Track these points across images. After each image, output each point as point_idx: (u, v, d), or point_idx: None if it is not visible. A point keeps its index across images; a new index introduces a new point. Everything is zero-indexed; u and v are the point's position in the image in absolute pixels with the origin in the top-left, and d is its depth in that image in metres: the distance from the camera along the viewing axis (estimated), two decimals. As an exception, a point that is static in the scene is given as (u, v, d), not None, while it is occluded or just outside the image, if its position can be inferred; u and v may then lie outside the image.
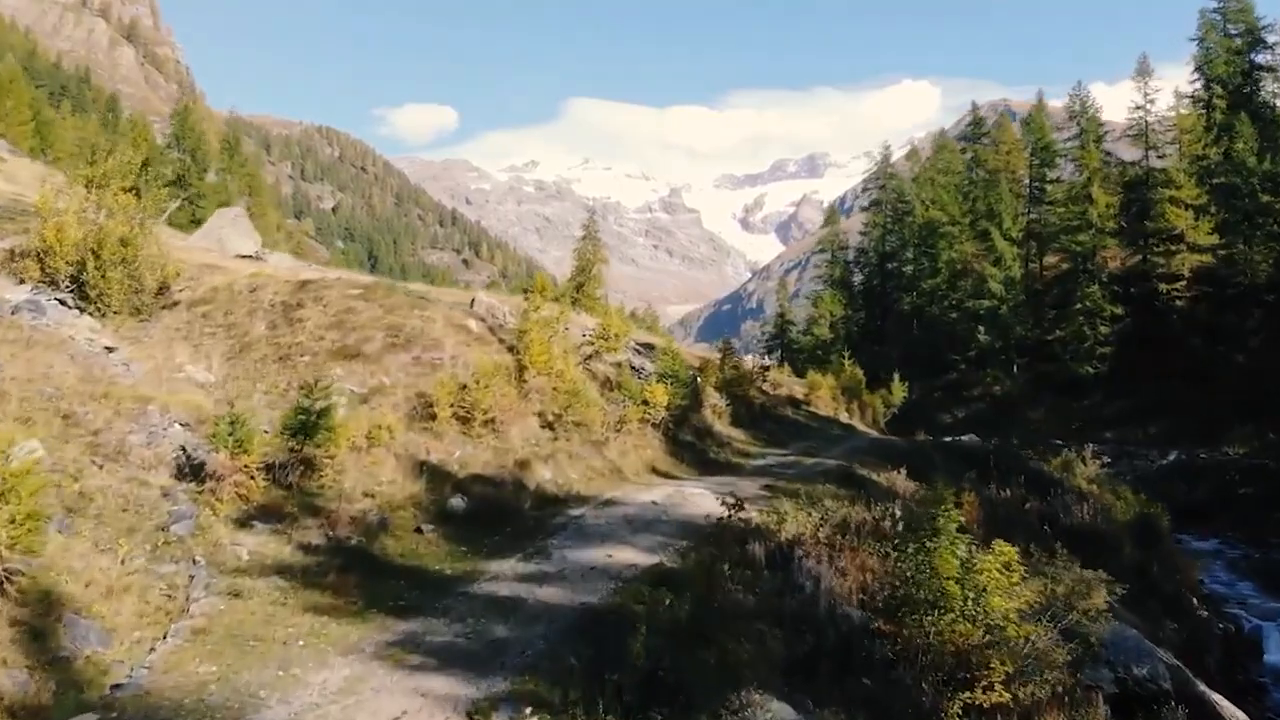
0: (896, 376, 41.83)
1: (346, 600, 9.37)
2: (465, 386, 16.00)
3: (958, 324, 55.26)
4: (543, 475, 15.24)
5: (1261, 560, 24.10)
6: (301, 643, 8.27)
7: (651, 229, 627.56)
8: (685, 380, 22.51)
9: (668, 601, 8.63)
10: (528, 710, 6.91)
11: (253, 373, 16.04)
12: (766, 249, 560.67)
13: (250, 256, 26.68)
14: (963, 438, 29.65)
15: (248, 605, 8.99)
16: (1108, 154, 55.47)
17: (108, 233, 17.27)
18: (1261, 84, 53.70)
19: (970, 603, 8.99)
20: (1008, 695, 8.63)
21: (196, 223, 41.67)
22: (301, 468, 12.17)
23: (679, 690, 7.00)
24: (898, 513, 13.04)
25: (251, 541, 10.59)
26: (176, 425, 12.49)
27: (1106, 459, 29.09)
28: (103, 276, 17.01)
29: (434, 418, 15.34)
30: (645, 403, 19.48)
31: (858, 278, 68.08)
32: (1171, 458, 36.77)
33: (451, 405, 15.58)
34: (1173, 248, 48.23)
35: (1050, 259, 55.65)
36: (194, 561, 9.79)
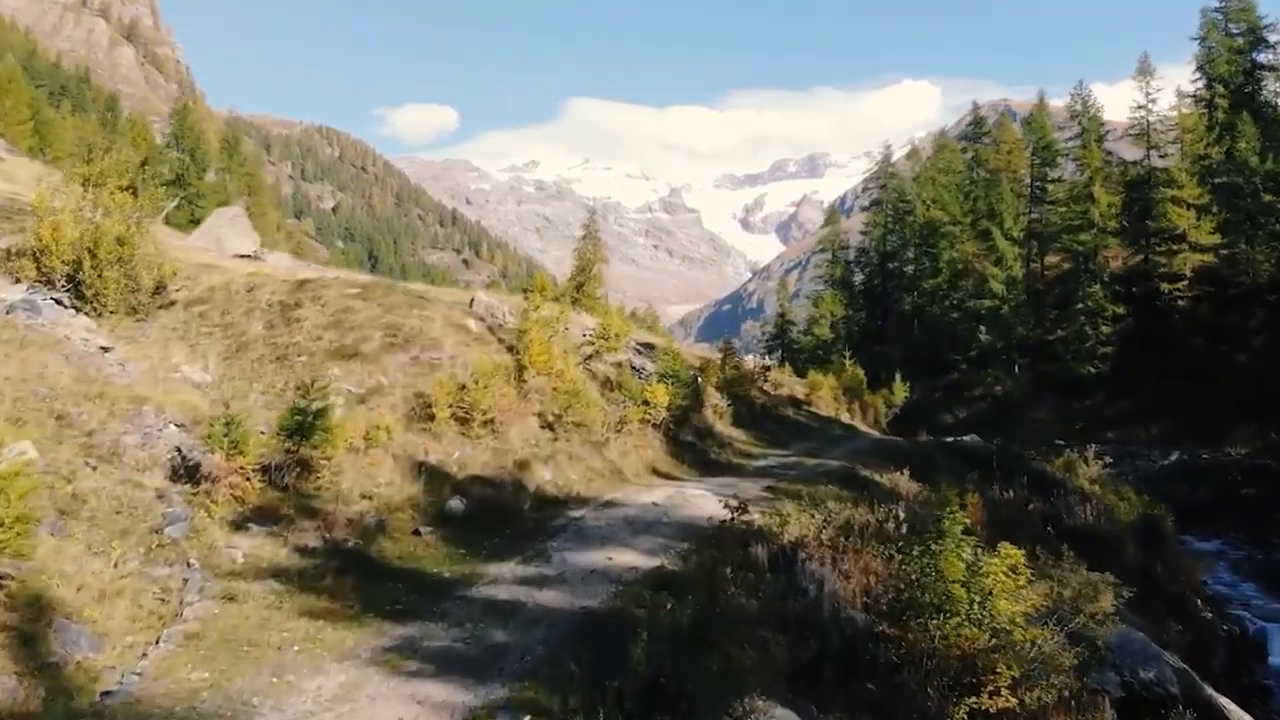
0: (898, 377, 41.67)
1: (343, 604, 9.21)
2: (464, 387, 15.85)
3: (959, 324, 55.09)
4: (542, 476, 15.09)
5: (1264, 561, 24.01)
6: (296, 648, 8.12)
7: (652, 229, 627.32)
8: (686, 380, 22.36)
9: (669, 606, 8.47)
10: (527, 718, 6.77)
11: (249, 373, 15.90)
12: (767, 249, 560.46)
13: (249, 256, 26.55)
14: (964, 438, 29.51)
15: (242, 609, 8.84)
16: (1109, 153, 55.34)
17: (104, 232, 17.15)
18: (1263, 83, 53.55)
19: (976, 606, 8.88)
20: (1014, 700, 8.50)
21: (195, 222, 41.50)
22: (298, 469, 12.02)
23: (681, 697, 6.86)
24: (901, 514, 12.92)
25: (247, 544, 10.45)
26: (172, 426, 12.34)
27: (1108, 459, 28.95)
28: (99, 276, 16.89)
29: (433, 418, 15.19)
30: (646, 403, 19.32)
31: (858, 277, 67.90)
32: (1173, 458, 36.69)
33: (450, 405, 15.43)
34: (1175, 247, 48.04)
35: (1051, 259, 55.49)
36: (188, 564, 9.65)
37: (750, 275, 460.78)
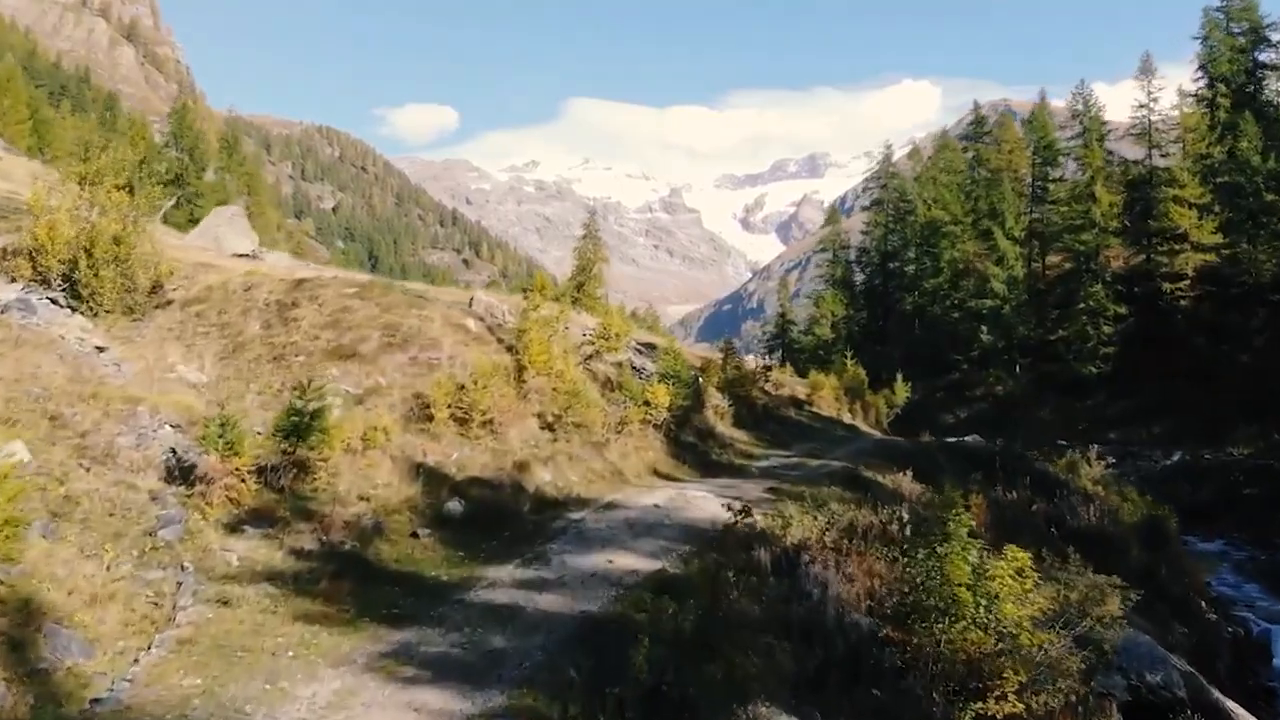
0: (900, 377, 41.55)
1: (339, 608, 9.05)
2: (463, 387, 15.69)
3: (960, 324, 54.98)
4: (542, 478, 14.94)
5: (1268, 562, 23.92)
6: (291, 653, 7.96)
7: (652, 229, 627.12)
8: (687, 380, 22.21)
9: (671, 611, 8.31)
10: (525, 726, 6.63)
11: (246, 373, 15.76)
12: (767, 249, 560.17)
13: (247, 255, 26.43)
14: (966, 438, 29.38)
15: (236, 614, 8.69)
16: (1110, 153, 55.23)
17: (100, 231, 17.06)
18: (1265, 82, 53.42)
19: (982, 610, 8.74)
20: (1020, 705, 8.37)
21: (194, 222, 41.36)
22: (294, 470, 11.86)
23: (684, 705, 6.70)
24: (905, 516, 12.75)
25: (242, 547, 10.30)
26: (166, 427, 12.19)
27: (1110, 460, 28.79)
28: (95, 275, 16.80)
29: (431, 419, 15.03)
30: (647, 403, 19.16)
31: (859, 277, 67.82)
32: (1175, 458, 36.61)
33: (449, 406, 15.28)
34: (1176, 247, 47.91)
35: (1053, 258, 55.34)
36: (182, 568, 9.50)
37: (750, 275, 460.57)
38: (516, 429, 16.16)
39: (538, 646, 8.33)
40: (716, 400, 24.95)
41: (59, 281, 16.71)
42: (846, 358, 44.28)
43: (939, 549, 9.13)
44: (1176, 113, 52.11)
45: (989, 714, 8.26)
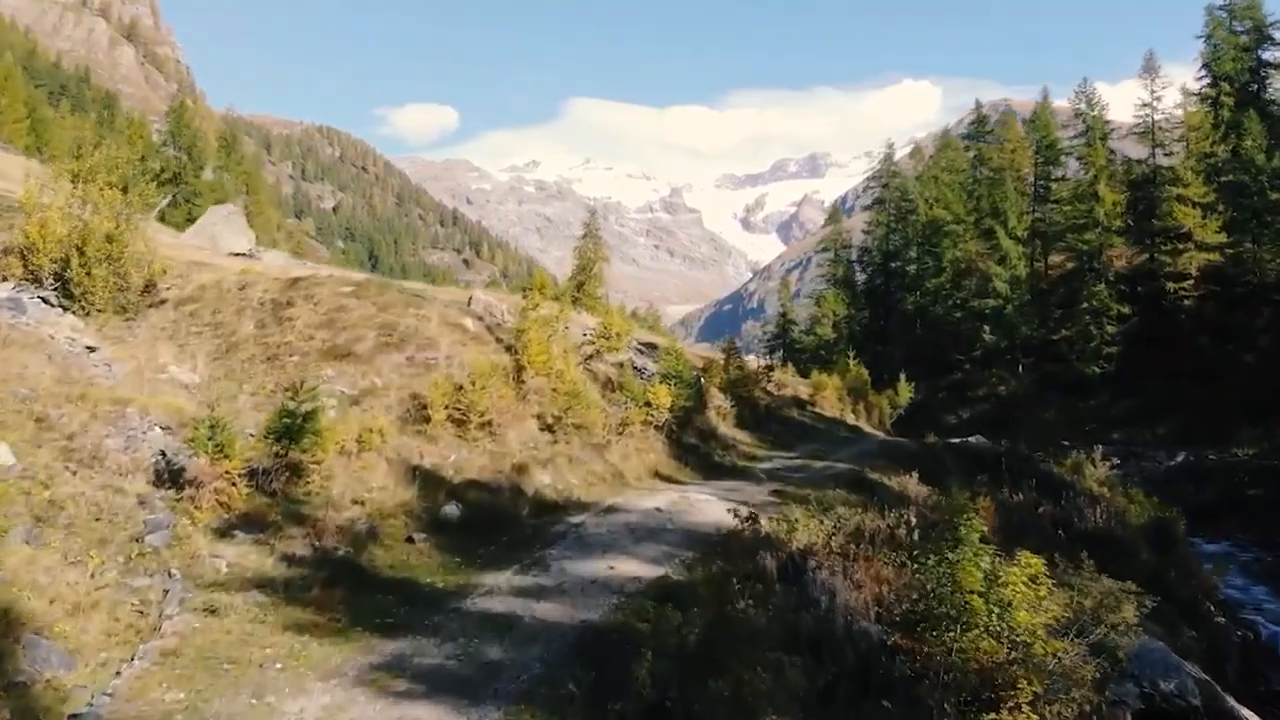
0: (903, 377, 41.31)
1: (330, 617, 8.75)
2: (461, 387, 15.41)
3: (962, 323, 54.70)
4: (541, 480, 14.65)
5: (1274, 563, 23.73)
6: (279, 665, 7.66)
7: (652, 229, 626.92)
8: (689, 381, 21.94)
9: (675, 622, 7.99)
10: (522, 744, 6.32)
11: (239, 373, 15.46)
12: (767, 249, 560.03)
13: (243, 254, 26.19)
14: (970, 439, 29.13)
15: (224, 623, 8.39)
16: (1112, 152, 54.91)
17: (93, 229, 16.80)
18: (1269, 81, 53.08)
19: (995, 618, 8.47)
20: (1035, 717, 8.10)
21: (192, 221, 41.09)
22: (287, 474, 11.58)
23: (688, 723, 6.41)
24: (913, 520, 12.47)
25: (231, 553, 9.99)
26: (156, 429, 11.89)
27: (1115, 460, 28.57)
28: (87, 274, 16.55)
29: (428, 420, 14.76)
30: (648, 404, 18.90)
31: (861, 277, 67.53)
32: (1179, 459, 36.40)
33: (446, 407, 15.00)
34: (1180, 246, 47.58)
35: (1056, 258, 54.99)
36: (169, 575, 9.21)
37: (751, 275, 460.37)
38: (515, 430, 15.88)
39: (536, 658, 8.03)
40: (719, 401, 24.69)
41: (51, 280, 16.46)
42: (849, 358, 44.04)
43: (950, 555, 8.87)
44: (1180, 111, 51.80)
45: (1002, 725, 7.98)
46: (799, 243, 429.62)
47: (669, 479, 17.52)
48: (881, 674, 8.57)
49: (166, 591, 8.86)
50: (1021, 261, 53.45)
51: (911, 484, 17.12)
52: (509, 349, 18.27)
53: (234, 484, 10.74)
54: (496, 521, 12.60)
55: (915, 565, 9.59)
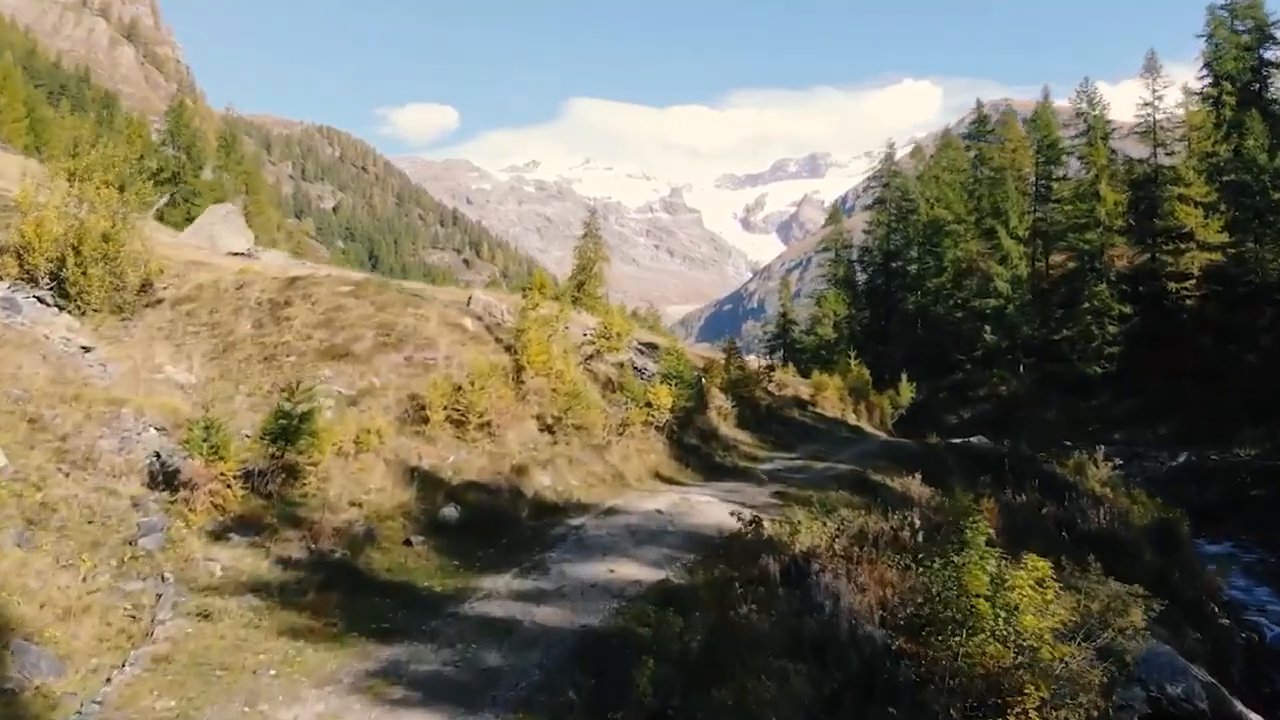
0: (904, 377, 41.17)
1: (325, 622, 8.59)
2: (460, 388, 15.26)
3: (963, 323, 54.56)
4: (541, 482, 14.50)
5: (1278, 564, 23.60)
6: (273, 672, 7.51)
7: (652, 229, 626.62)
8: (690, 381, 21.78)
9: (678, 630, 7.82)
10: (521, 753, 6.17)
11: (236, 374, 15.31)
12: (767, 249, 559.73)
13: (242, 254, 26.05)
14: (972, 439, 29.01)
15: (217, 628, 8.23)
16: (1113, 151, 54.78)
17: (89, 228, 16.67)
18: (1271, 80, 52.99)
19: (1001, 622, 8.33)
20: (1041, 722, 7.96)
21: (191, 220, 40.94)
22: (283, 475, 11.43)
23: (691, 731, 6.25)
24: (916, 522, 12.33)
25: (226, 556, 9.85)
26: (151, 430, 11.75)
27: (1117, 461, 28.46)
28: (83, 273, 16.43)
29: (426, 421, 14.61)
30: (649, 405, 18.74)
31: (861, 277, 67.39)
32: (1181, 459, 36.31)
33: (445, 408, 14.85)
34: (1182, 246, 47.45)
35: (1057, 258, 54.85)
36: (162, 579, 9.07)
37: (751, 275, 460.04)
38: (515, 431, 15.73)
39: (535, 664, 7.88)
40: (720, 401, 24.54)
41: (46, 280, 16.33)
42: (850, 358, 43.90)
43: (956, 558, 8.73)
44: (1181, 111, 51.68)
45: (1009, 731, 7.85)
46: (799, 243, 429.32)
47: (670, 480, 17.38)
48: (886, 679, 8.43)
49: (159, 596, 8.72)
50: (1023, 261, 53.30)
51: (914, 485, 16.98)
52: (508, 349, 18.13)
53: (229, 486, 10.60)
54: (495, 523, 12.45)
55: (920, 568, 9.46)
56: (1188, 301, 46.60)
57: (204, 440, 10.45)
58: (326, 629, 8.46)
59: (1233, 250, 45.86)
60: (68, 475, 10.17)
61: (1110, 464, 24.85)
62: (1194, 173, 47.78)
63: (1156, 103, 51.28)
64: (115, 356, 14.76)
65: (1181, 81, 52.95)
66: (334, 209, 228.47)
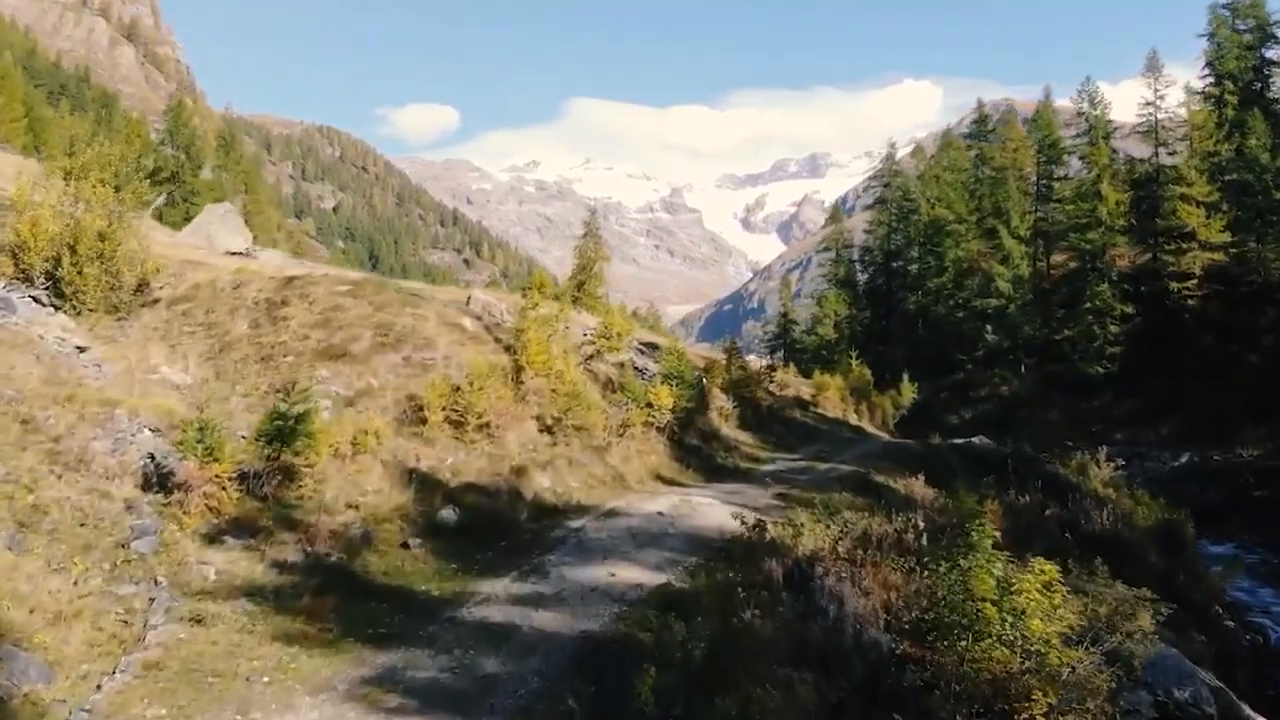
0: (906, 377, 41.01)
1: (321, 627, 8.44)
2: (459, 388, 15.10)
3: (964, 323, 54.40)
4: (540, 483, 14.33)
5: (1280, 566, 23.42)
6: (266, 679, 7.35)
7: (653, 229, 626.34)
8: (691, 381, 21.61)
9: (680, 638, 7.66)
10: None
11: (232, 374, 15.16)
12: (768, 249, 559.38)
13: (240, 253, 25.89)
14: (973, 439, 28.81)
15: (210, 633, 8.08)
16: (1115, 151, 54.62)
17: (85, 227, 16.58)
18: (1273, 79, 52.87)
19: (1008, 626, 8.20)
20: (1049, 728, 7.83)
21: (190, 220, 40.80)
22: (279, 477, 11.27)
23: (693, 741, 6.09)
24: (920, 524, 12.18)
25: (220, 559, 9.69)
26: (146, 431, 11.59)
27: (1120, 461, 28.33)
28: (79, 273, 16.33)
29: (425, 422, 14.45)
30: (649, 405, 18.58)
31: (862, 277, 67.24)
32: (1184, 459, 36.21)
33: (444, 408, 14.69)
34: (1184, 246, 47.28)
35: (1058, 257, 54.68)
36: (155, 582, 8.91)
37: (751, 275, 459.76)
38: (514, 432, 15.56)
39: (534, 671, 7.73)
40: (721, 401, 24.36)
41: (42, 279, 16.22)
42: (852, 358, 43.73)
43: (962, 562, 8.60)
44: (1183, 110, 51.52)
45: (1016, 738, 7.72)
46: (799, 243, 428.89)
47: (671, 482, 17.21)
48: (890, 684, 8.29)
49: (152, 600, 8.57)
50: (1024, 261, 53.14)
51: (918, 486, 16.82)
52: (508, 349, 17.96)
53: (224, 488, 10.45)
54: (494, 526, 12.30)
55: (926, 572, 9.33)
56: (1190, 301, 46.43)
57: (198, 441, 10.30)
58: (322, 634, 8.31)
59: (1235, 250, 45.70)
60: (60, 477, 10.02)
61: (1112, 464, 24.70)
62: (1196, 172, 47.61)
63: (1158, 102, 51.14)
64: (110, 357, 14.62)
65: (1182, 81, 52.86)
66: (334, 209, 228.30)
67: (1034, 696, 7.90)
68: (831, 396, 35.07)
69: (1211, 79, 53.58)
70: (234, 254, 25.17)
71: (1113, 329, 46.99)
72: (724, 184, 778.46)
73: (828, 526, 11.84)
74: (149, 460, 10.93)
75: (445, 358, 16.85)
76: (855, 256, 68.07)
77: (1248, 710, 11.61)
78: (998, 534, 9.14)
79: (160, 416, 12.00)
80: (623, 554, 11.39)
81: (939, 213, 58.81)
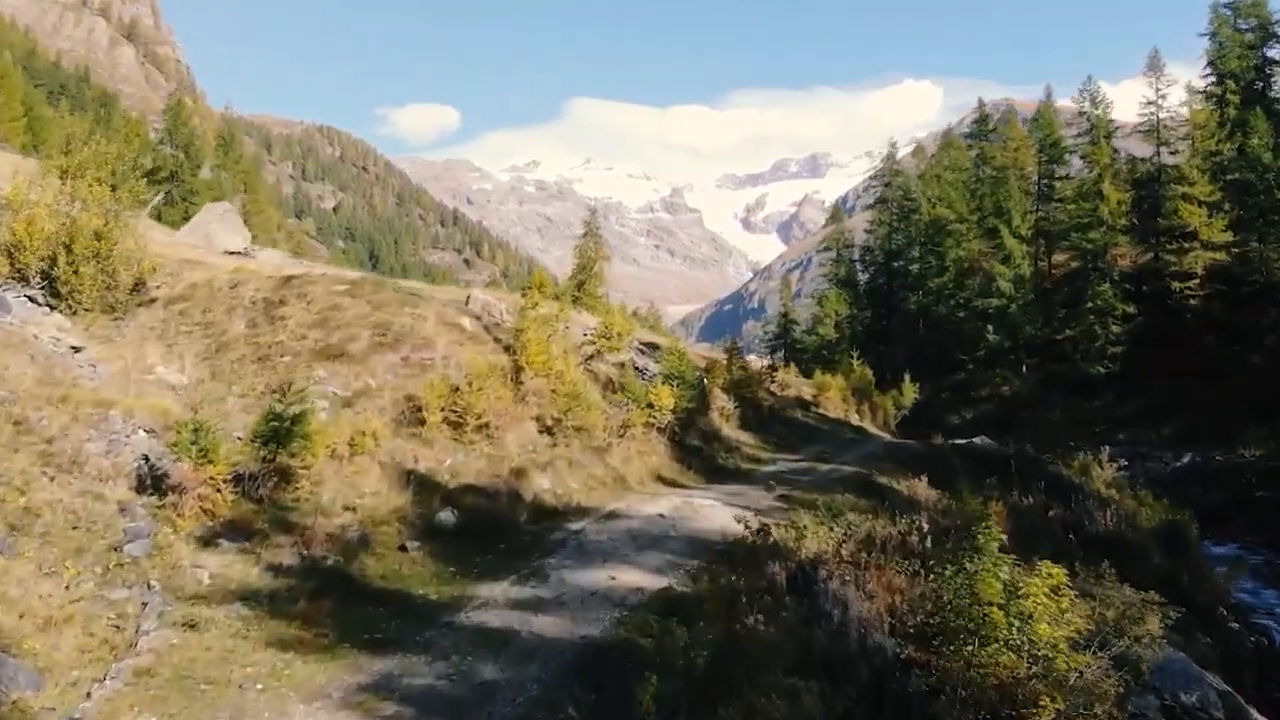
0: (908, 377, 40.88)
1: (316, 632, 8.28)
2: (457, 389, 14.93)
3: (965, 323, 54.27)
4: (540, 485, 14.18)
5: (1285, 566, 23.35)
6: (260, 686, 7.20)
7: (653, 229, 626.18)
8: (692, 382, 21.45)
9: (682, 644, 7.50)
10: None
11: (229, 374, 15.00)
12: (768, 249, 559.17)
13: (239, 253, 25.76)
14: (975, 440, 28.67)
15: (203, 639, 7.93)
16: (1116, 150, 54.52)
17: (80, 226, 16.45)
18: (1275, 78, 52.82)
19: (1015, 631, 8.07)
20: (1056, 734, 7.70)
21: (189, 219, 40.65)
22: (275, 479, 11.12)
23: (696, 751, 5.95)
24: (925, 526, 12.04)
25: (215, 563, 9.54)
26: (140, 432, 11.45)
27: (1122, 461, 28.21)
28: (74, 272, 16.19)
29: (423, 423, 14.29)
30: (650, 406, 18.41)
31: (863, 276, 67.14)
32: (1186, 460, 36.15)
33: (442, 409, 14.53)
34: (1186, 245, 47.20)
35: (1060, 257, 54.63)
36: (148, 587, 8.76)
37: (751, 275, 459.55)
38: (513, 433, 15.40)
39: (533, 678, 7.58)
40: (722, 402, 24.20)
41: (37, 279, 16.08)
42: (853, 358, 43.59)
43: (968, 565, 8.46)
44: (1185, 110, 51.43)
45: (1024, 744, 7.59)
46: (799, 243, 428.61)
47: (672, 483, 17.05)
48: (896, 689, 8.16)
49: (145, 605, 8.42)
50: (1025, 261, 53.02)
51: (921, 488, 16.66)
52: (507, 349, 17.80)
53: (219, 490, 10.30)
54: (493, 528, 12.14)
55: (932, 575, 9.20)
56: (1192, 301, 46.34)
57: (193, 443, 10.15)
58: (317, 640, 8.16)
59: (1237, 250, 45.62)
60: (53, 479, 9.88)
61: (1115, 465, 24.57)
62: (1198, 172, 47.55)
63: (1160, 101, 51.04)
64: (106, 357, 14.48)
65: (1181, 81, 52.80)
66: (334, 209, 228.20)
67: (1041, 702, 7.77)
68: (833, 397, 34.92)
69: (1213, 78, 53.54)
70: (232, 253, 25.04)
71: (1114, 329, 46.89)
72: (724, 184, 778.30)
73: (831, 529, 11.70)
74: (143, 462, 10.78)
75: (444, 358, 16.69)
76: (856, 256, 68.01)
77: (1255, 714, 11.53)
78: (1003, 537, 9.04)
79: (155, 417, 11.85)
80: (623, 557, 11.23)
81: (940, 212, 58.70)
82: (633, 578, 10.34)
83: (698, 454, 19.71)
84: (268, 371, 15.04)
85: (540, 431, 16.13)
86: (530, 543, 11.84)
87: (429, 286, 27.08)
